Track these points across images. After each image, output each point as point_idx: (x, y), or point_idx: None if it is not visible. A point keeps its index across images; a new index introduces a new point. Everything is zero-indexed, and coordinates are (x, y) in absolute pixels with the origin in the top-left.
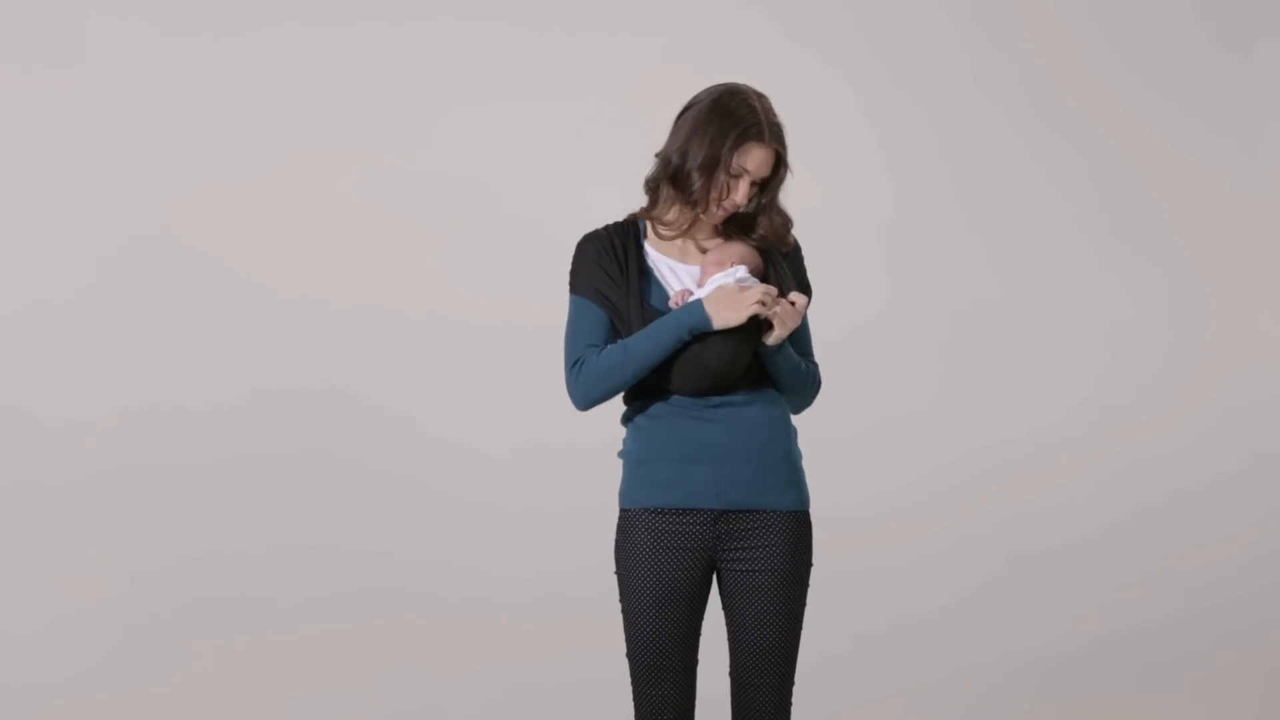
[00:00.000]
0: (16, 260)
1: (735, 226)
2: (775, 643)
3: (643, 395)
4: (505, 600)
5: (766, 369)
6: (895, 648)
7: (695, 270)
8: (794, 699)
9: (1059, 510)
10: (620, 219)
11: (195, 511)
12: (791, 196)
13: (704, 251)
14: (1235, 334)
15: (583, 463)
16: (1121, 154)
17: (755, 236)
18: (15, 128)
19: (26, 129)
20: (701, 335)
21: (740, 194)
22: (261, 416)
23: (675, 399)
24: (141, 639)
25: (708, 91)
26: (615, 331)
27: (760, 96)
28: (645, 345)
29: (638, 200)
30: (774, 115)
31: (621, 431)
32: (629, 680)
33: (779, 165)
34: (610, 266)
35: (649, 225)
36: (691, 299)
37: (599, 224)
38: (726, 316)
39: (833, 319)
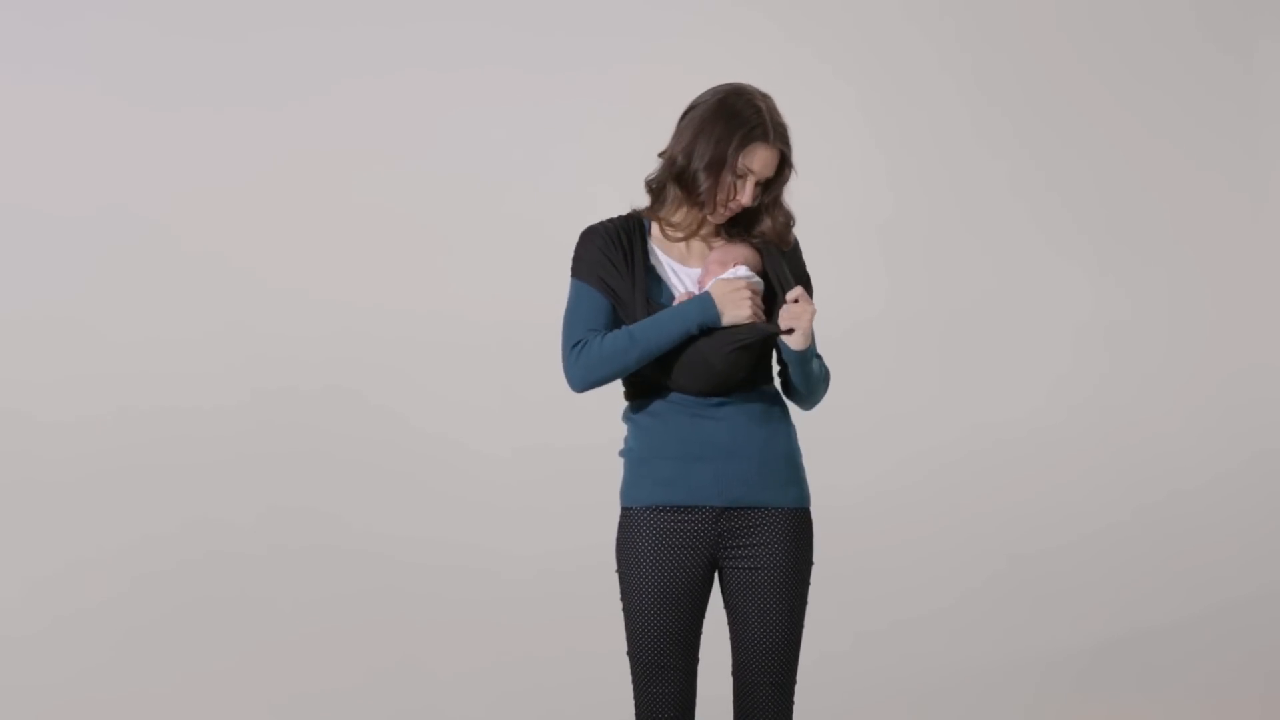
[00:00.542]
0: (16, 260)
1: (737, 224)
2: (777, 641)
3: (644, 393)
4: (506, 600)
5: (791, 375)
6: (895, 647)
7: (696, 273)
8: (795, 698)
9: (1059, 510)
10: (623, 214)
11: (195, 512)
12: (792, 196)
13: (709, 250)
14: (1234, 334)
15: (583, 462)
16: (1120, 154)
17: (756, 235)
18: (14, 127)
19: (25, 128)
20: (709, 333)
21: (746, 194)
22: (262, 417)
23: (676, 397)
24: (142, 640)
25: (712, 92)
26: (617, 320)
27: (765, 97)
28: (651, 334)
29: (637, 199)
30: (778, 115)
31: (622, 432)
32: (629, 679)
33: (784, 165)
34: (616, 258)
35: (654, 224)
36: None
37: (602, 217)
38: (735, 313)
39: (832, 319)
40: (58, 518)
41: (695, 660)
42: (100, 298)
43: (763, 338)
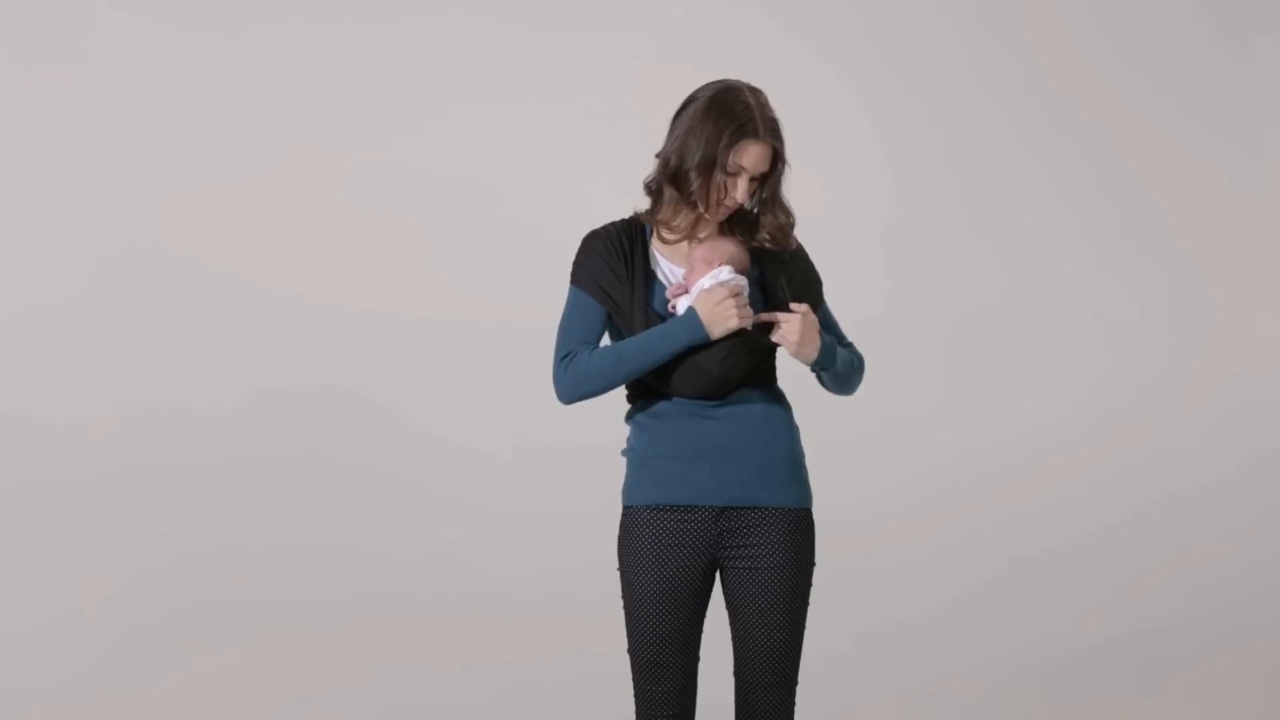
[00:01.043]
0: (16, 261)
1: (738, 225)
2: (779, 641)
3: (646, 394)
4: (506, 599)
5: (823, 379)
6: (896, 648)
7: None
8: (796, 699)
9: (1060, 511)
10: (626, 216)
11: (196, 512)
12: (792, 196)
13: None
14: (1236, 335)
15: (583, 462)
16: (1123, 153)
17: (759, 237)
18: (14, 128)
19: (25, 129)
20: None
21: (740, 192)
22: (262, 417)
23: (677, 398)
24: (143, 639)
25: (703, 89)
26: (614, 328)
27: (755, 92)
28: (639, 354)
29: (636, 198)
30: (769, 110)
31: (622, 431)
32: (630, 678)
33: (777, 160)
34: (617, 265)
35: (654, 227)
36: (683, 300)
37: (598, 222)
38: (724, 326)
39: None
40: (58, 518)
41: (695, 660)
42: (100, 298)
43: (751, 342)
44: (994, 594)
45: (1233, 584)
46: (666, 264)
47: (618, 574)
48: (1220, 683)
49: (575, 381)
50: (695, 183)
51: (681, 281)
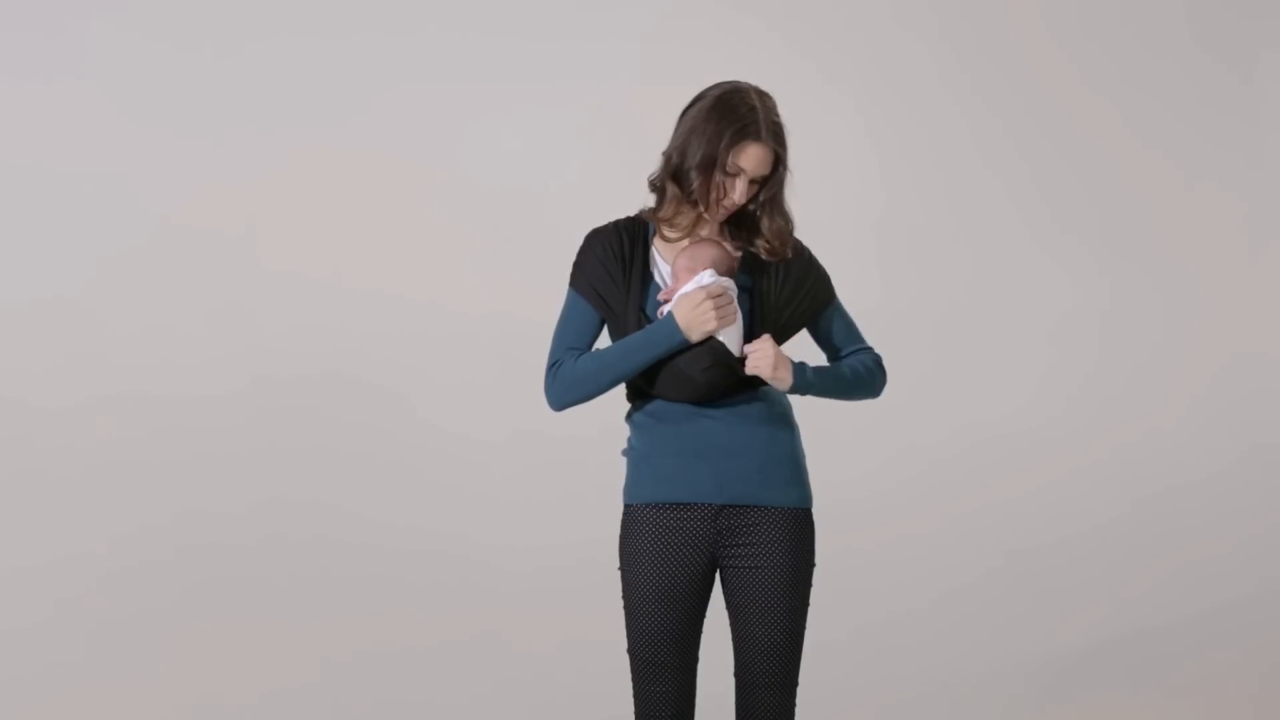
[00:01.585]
0: (14, 248)
1: (740, 228)
2: (778, 641)
3: (644, 395)
4: (504, 591)
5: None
6: (890, 644)
7: None
8: (797, 700)
9: (1054, 506)
10: (630, 214)
11: (193, 500)
12: (788, 196)
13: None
14: (1227, 325)
15: (582, 455)
16: (1107, 148)
17: (757, 243)
18: (17, 116)
19: (28, 119)
20: (686, 348)
21: (738, 193)
22: (260, 405)
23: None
24: (140, 627)
25: (711, 89)
26: (611, 331)
27: (762, 95)
28: (620, 360)
29: (636, 199)
30: (774, 115)
31: (621, 422)
32: (629, 673)
33: (778, 164)
34: (614, 268)
35: (656, 225)
36: (665, 308)
37: (598, 212)
38: (702, 330)
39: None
40: (55, 505)
41: (695, 659)
42: (98, 285)
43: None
44: (989, 589)
45: (1227, 579)
46: (665, 265)
47: (615, 568)
48: (1215, 677)
49: (562, 390)
50: (695, 181)
51: (671, 287)
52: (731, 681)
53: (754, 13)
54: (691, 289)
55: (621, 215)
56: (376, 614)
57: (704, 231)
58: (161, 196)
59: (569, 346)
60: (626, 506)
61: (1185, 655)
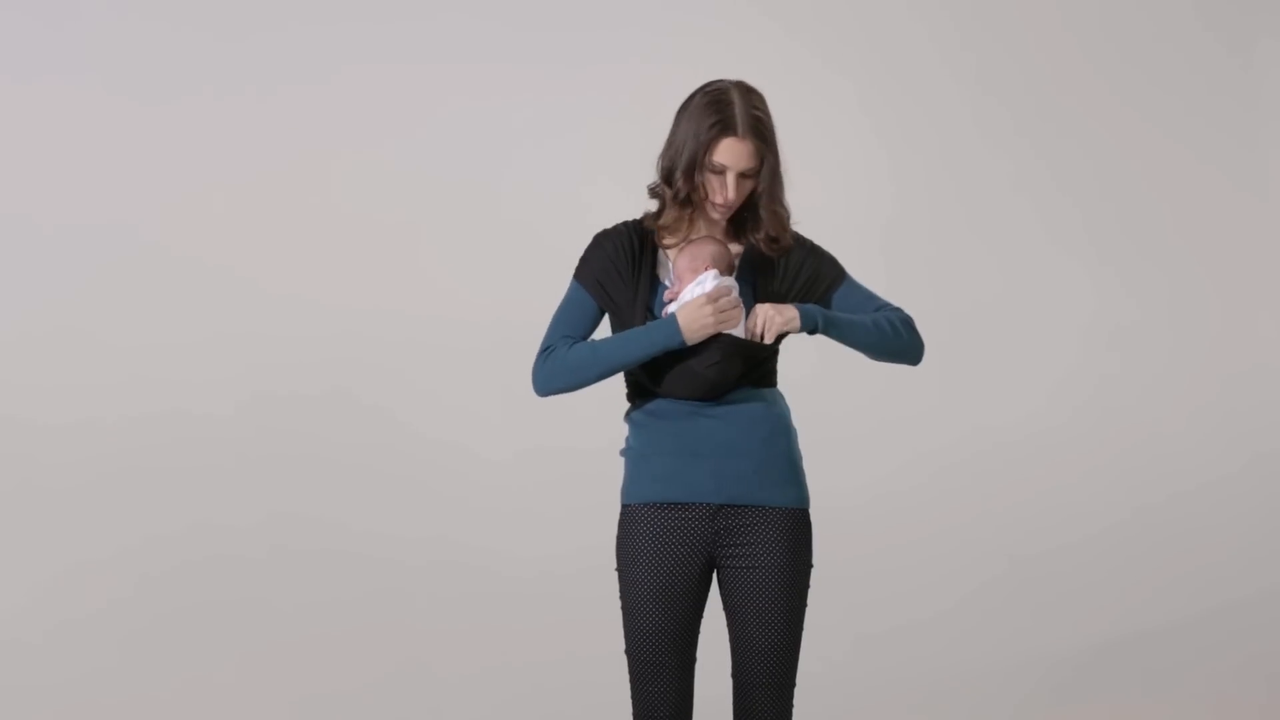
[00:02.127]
0: (16, 266)
1: (738, 224)
2: (776, 641)
3: (645, 393)
4: (506, 602)
5: (870, 352)
6: (896, 649)
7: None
8: (795, 701)
9: (1060, 511)
10: (638, 217)
11: (197, 516)
12: (793, 196)
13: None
14: (1237, 335)
15: (583, 464)
16: (1124, 154)
17: (755, 237)
18: (13, 134)
19: (25, 135)
20: (693, 347)
21: (730, 190)
22: (263, 421)
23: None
24: (144, 643)
25: (696, 90)
26: (615, 327)
27: (748, 92)
28: (615, 353)
29: (636, 198)
30: (755, 109)
31: (621, 433)
32: (628, 679)
33: (765, 159)
34: (624, 268)
35: (657, 231)
36: (668, 309)
37: (598, 223)
38: (699, 331)
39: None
40: (59, 522)
41: (692, 659)
42: (100, 303)
43: (745, 348)
44: (994, 595)
45: (1233, 585)
46: (671, 267)
47: (616, 576)
48: (1221, 683)
49: (550, 375)
50: (681, 184)
51: (674, 288)
52: (729, 683)
53: (758, 3)
54: (694, 294)
55: (625, 220)
56: (380, 627)
57: (701, 234)
58: (159, 213)
59: (564, 334)
60: (624, 506)
61: (1189, 661)
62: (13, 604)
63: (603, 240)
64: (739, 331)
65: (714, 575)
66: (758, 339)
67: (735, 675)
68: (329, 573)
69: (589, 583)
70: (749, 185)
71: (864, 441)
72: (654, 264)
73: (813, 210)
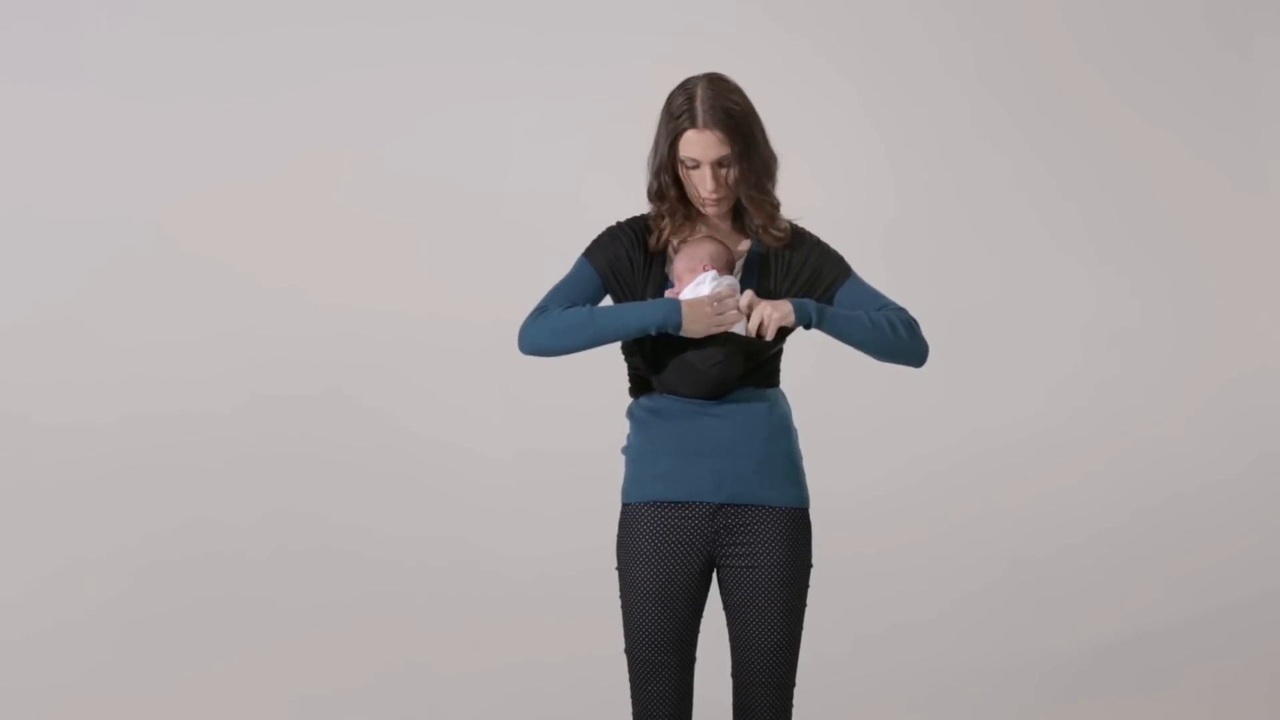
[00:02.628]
0: (15, 264)
1: (740, 220)
2: (775, 641)
3: (648, 389)
4: (506, 601)
5: (867, 350)
6: (896, 650)
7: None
8: (795, 701)
9: (1061, 513)
10: (648, 213)
11: (195, 515)
12: (793, 195)
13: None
14: (1239, 337)
15: (582, 465)
16: (1124, 154)
17: (753, 226)
18: (13, 132)
19: (24, 133)
20: (698, 346)
21: (707, 182)
22: (261, 420)
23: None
24: (142, 642)
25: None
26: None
27: (711, 81)
28: (611, 320)
29: (636, 198)
30: (720, 99)
31: (621, 434)
32: (627, 679)
33: (734, 146)
34: (637, 258)
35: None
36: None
37: (598, 223)
38: (697, 327)
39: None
40: (57, 520)
41: (692, 658)
42: (99, 301)
43: (747, 346)
44: (995, 596)
45: (1234, 586)
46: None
47: (615, 575)
48: (1222, 685)
49: (540, 330)
50: (658, 184)
51: (673, 289)
52: (729, 682)
53: (760, 4)
54: (694, 294)
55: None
56: (379, 627)
57: (699, 233)
58: (158, 211)
59: (563, 301)
60: (624, 505)
61: (1189, 661)
62: (11, 602)
63: (618, 233)
64: (740, 329)
65: (714, 575)
66: (760, 338)
67: (735, 675)
68: (328, 572)
69: (588, 582)
70: (729, 175)
71: (864, 442)
72: (664, 261)
73: (813, 210)
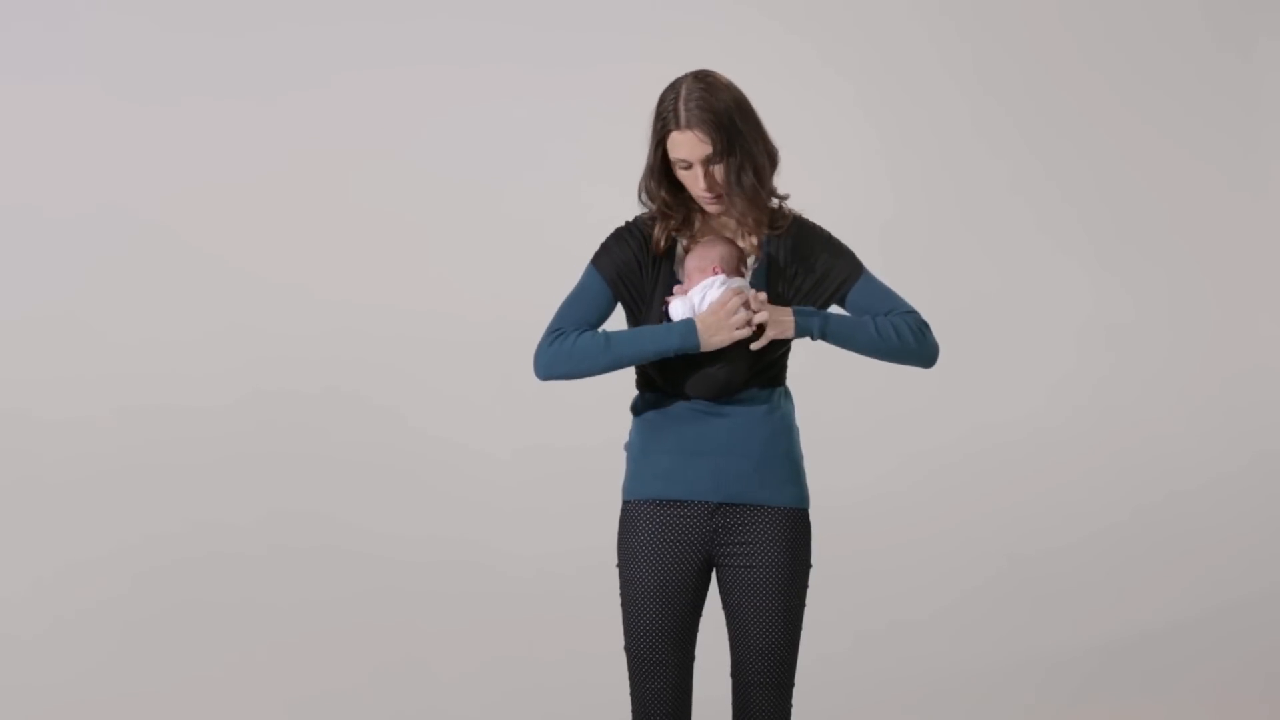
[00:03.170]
0: (15, 260)
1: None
2: (774, 641)
3: (653, 387)
4: (506, 599)
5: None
6: (895, 649)
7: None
8: (794, 700)
9: (1059, 511)
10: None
11: (195, 512)
12: (791, 195)
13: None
14: (1236, 335)
15: (582, 462)
16: (1122, 154)
17: (748, 222)
18: (13, 127)
19: (25, 129)
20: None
21: (699, 181)
22: (261, 417)
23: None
24: (141, 640)
25: None
26: (632, 317)
27: (694, 79)
28: (628, 347)
29: (635, 198)
30: (702, 97)
31: (621, 431)
32: (627, 677)
33: (718, 142)
34: (646, 261)
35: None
36: (675, 303)
37: (598, 222)
38: (716, 340)
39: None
40: (57, 517)
41: (691, 657)
42: (99, 297)
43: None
44: (993, 595)
45: (1233, 584)
46: (684, 266)
47: (615, 573)
48: (1221, 684)
49: (556, 359)
50: (648, 187)
51: (681, 285)
52: (729, 682)
53: (758, 4)
54: (700, 295)
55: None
56: (379, 625)
57: (710, 226)
58: (159, 208)
59: (576, 322)
60: (625, 502)
61: (1189, 661)
62: (9, 600)
63: (625, 235)
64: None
65: (713, 574)
66: (755, 337)
67: (734, 674)
68: (328, 570)
69: (588, 580)
70: (718, 173)
71: (862, 441)
72: (672, 260)
73: (810, 209)
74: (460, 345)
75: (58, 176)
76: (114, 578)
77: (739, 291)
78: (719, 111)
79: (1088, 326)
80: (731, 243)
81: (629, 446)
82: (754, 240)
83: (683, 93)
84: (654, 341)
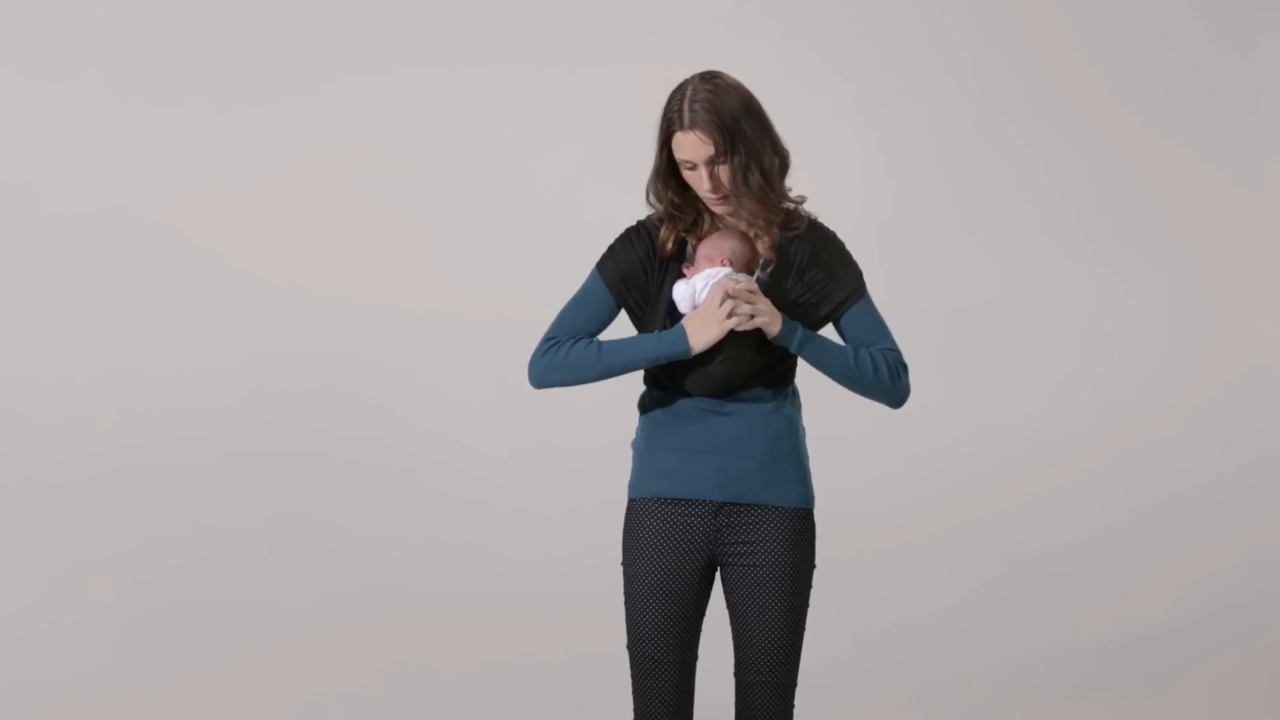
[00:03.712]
0: (17, 260)
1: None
2: (777, 641)
3: (660, 386)
4: (507, 600)
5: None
6: (895, 649)
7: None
8: (796, 700)
9: (1060, 511)
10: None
11: (196, 513)
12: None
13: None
14: (1237, 335)
15: (583, 462)
16: (1122, 153)
17: (756, 224)
18: (17, 126)
19: (27, 128)
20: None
21: (704, 182)
22: (262, 417)
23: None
24: (143, 642)
25: None
26: (637, 322)
27: (700, 80)
28: (620, 356)
29: (636, 198)
30: (709, 99)
31: (622, 432)
32: (629, 676)
33: (721, 143)
34: (652, 263)
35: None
36: (679, 286)
37: (597, 222)
38: (705, 338)
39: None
40: (58, 518)
41: (694, 656)
42: (100, 298)
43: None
44: (994, 595)
45: (1233, 585)
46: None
47: (619, 574)
48: (1222, 684)
49: (549, 368)
50: (655, 189)
51: (689, 271)
52: (731, 681)
53: (758, 4)
54: (701, 283)
55: (628, 222)
56: (380, 625)
57: (719, 227)
58: (160, 208)
59: (574, 330)
60: (630, 500)
61: (1189, 661)
62: (10, 601)
63: (633, 237)
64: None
65: (717, 573)
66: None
67: (737, 674)
68: (329, 570)
69: (589, 580)
70: (723, 174)
71: (862, 441)
72: (681, 261)
73: (812, 210)
74: (460, 345)
75: (58, 177)
76: (114, 578)
77: (732, 290)
78: (723, 112)
79: (1088, 326)
80: (746, 238)
81: (635, 444)
82: (767, 240)
83: (688, 93)
84: (645, 350)
